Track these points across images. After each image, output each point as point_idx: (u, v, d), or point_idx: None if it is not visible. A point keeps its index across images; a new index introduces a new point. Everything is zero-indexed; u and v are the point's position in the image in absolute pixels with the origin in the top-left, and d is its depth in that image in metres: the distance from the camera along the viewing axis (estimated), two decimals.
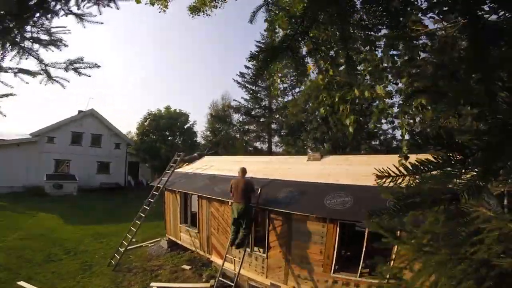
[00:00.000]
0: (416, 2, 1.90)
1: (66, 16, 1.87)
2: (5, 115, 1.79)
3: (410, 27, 1.97)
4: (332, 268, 4.32)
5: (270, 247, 5.21)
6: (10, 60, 1.73)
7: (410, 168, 0.81)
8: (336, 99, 2.91)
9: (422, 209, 0.84)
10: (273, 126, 23.75)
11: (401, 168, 0.83)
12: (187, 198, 7.52)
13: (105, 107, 56.02)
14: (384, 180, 0.85)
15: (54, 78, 1.97)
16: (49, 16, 1.79)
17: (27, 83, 1.86)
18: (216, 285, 5.38)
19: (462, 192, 0.74)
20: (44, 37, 1.84)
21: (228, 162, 8.46)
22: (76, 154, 18.42)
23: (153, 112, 21.64)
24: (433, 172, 0.80)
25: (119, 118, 64.10)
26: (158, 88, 63.65)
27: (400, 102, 2.74)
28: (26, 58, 1.79)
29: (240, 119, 24.67)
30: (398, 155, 2.68)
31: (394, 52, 2.34)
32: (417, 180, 0.83)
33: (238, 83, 23.36)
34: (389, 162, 1.13)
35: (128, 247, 7.09)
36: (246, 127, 24.62)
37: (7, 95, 1.74)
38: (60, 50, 1.93)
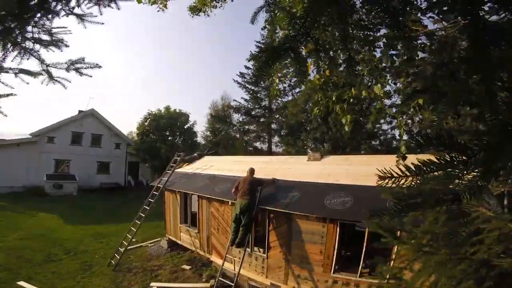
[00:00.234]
0: (415, 2, 1.90)
1: (67, 16, 1.87)
2: (6, 115, 1.79)
3: (409, 27, 1.98)
4: (332, 268, 4.32)
5: (270, 247, 5.21)
6: (12, 61, 1.73)
7: (413, 168, 0.81)
8: (333, 99, 2.92)
9: (423, 210, 0.84)
10: (273, 126, 23.75)
11: (404, 169, 0.83)
12: (187, 198, 7.52)
13: (105, 107, 56.00)
14: (386, 181, 0.85)
15: (55, 78, 1.97)
16: (50, 16, 1.79)
17: (27, 83, 1.86)
18: (216, 285, 5.38)
19: (464, 192, 0.74)
20: (45, 37, 1.84)
21: (228, 162, 8.47)
22: (76, 154, 18.42)
23: (153, 112, 21.66)
24: (434, 173, 0.81)
25: (119, 118, 64.16)
26: (158, 88, 63.69)
27: (399, 102, 2.75)
28: (28, 59, 1.80)
29: (240, 119, 24.69)
30: (396, 155, 2.68)
31: (393, 52, 2.35)
32: (418, 181, 0.83)
33: (238, 83, 23.37)
34: (389, 162, 1.13)
35: (128, 247, 7.09)
36: (246, 127, 24.62)
37: (7, 95, 1.74)
38: (61, 51, 1.93)
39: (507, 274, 0.73)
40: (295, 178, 5.53)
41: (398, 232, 1.10)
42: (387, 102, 2.80)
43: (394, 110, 2.76)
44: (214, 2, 3.86)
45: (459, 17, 1.60)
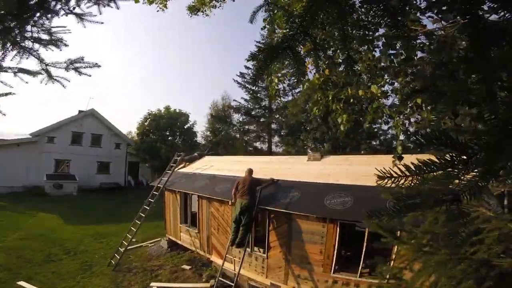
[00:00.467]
0: (415, 2, 1.90)
1: (66, 16, 1.87)
2: (4, 114, 1.79)
3: (408, 26, 1.98)
4: (332, 268, 4.32)
5: (270, 247, 5.21)
6: (11, 60, 1.73)
7: (413, 168, 0.81)
8: (330, 98, 2.92)
9: (422, 210, 0.84)
10: (273, 126, 23.76)
11: (403, 169, 0.82)
12: (187, 198, 7.52)
13: (105, 107, 55.88)
14: (385, 181, 0.85)
15: (54, 78, 1.97)
16: (49, 16, 1.79)
17: (26, 82, 1.86)
18: (216, 285, 5.38)
19: (464, 192, 0.73)
20: (45, 36, 1.84)
21: (228, 162, 8.47)
22: (76, 154, 18.42)
23: (153, 112, 21.65)
24: (434, 173, 0.80)
25: (119, 118, 64.06)
26: (158, 87, 63.61)
27: (396, 102, 2.75)
28: (27, 58, 1.80)
29: (240, 119, 24.70)
30: (392, 155, 2.68)
31: (392, 52, 2.35)
32: (417, 181, 0.83)
33: (238, 83, 23.38)
34: (389, 162, 1.13)
35: (128, 247, 7.09)
36: (246, 127, 24.63)
37: (6, 94, 1.74)
38: (60, 50, 1.93)
39: (507, 274, 0.72)
40: (295, 178, 5.53)
41: (398, 232, 1.10)
42: (387, 102, 2.80)
43: (392, 109, 2.76)
44: (214, 1, 3.86)
45: (458, 17, 1.60)
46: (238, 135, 24.40)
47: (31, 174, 16.03)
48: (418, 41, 2.20)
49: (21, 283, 5.59)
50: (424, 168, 0.80)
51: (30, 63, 2.07)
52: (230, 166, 7.57)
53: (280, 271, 5.05)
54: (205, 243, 6.74)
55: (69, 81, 2.03)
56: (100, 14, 2.02)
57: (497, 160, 0.70)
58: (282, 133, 22.53)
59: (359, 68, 2.60)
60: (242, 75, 23.26)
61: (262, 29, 2.99)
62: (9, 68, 1.73)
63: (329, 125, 15.75)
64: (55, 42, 1.88)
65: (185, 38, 63.56)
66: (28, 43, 1.79)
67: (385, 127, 16.26)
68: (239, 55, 54.78)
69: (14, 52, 1.74)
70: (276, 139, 23.92)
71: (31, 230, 9.21)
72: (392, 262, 1.49)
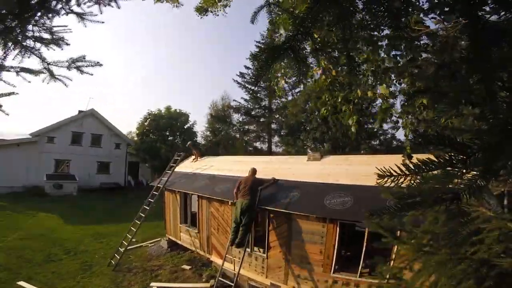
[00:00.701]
0: (417, 3, 1.90)
1: (67, 15, 1.88)
2: (7, 114, 1.79)
3: (411, 27, 1.98)
4: (332, 268, 4.32)
5: (270, 247, 5.21)
6: (13, 59, 1.74)
7: (412, 167, 0.81)
8: (339, 99, 2.91)
9: (422, 209, 0.85)
10: (273, 126, 23.76)
11: (403, 168, 0.83)
12: (187, 198, 7.53)
13: (106, 106, 55.72)
14: (385, 180, 0.85)
15: (56, 77, 1.97)
16: (50, 15, 1.80)
17: (29, 82, 1.87)
18: (216, 285, 5.38)
19: (463, 191, 0.74)
20: (46, 35, 1.84)
21: (228, 162, 8.47)
22: (76, 154, 18.41)
23: (153, 112, 21.63)
24: (434, 172, 0.81)
25: (119, 118, 63.97)
26: (159, 87, 63.54)
27: (403, 102, 2.75)
28: (29, 57, 1.80)
29: (240, 119, 24.69)
30: (402, 155, 2.68)
31: (396, 52, 2.35)
32: (417, 180, 0.84)
33: (238, 83, 23.39)
34: (389, 162, 1.13)
35: (128, 247, 7.09)
36: (246, 127, 24.62)
37: (9, 94, 1.74)
38: (62, 49, 1.93)
39: (507, 274, 0.73)
40: (295, 178, 5.53)
41: (398, 232, 1.10)
42: (397, 102, 2.82)
43: (399, 110, 2.76)
44: (226, 0, 3.79)
45: (460, 18, 1.60)
46: (238, 135, 24.39)
47: (31, 174, 16.03)
48: (422, 41, 2.20)
49: (21, 283, 5.59)
50: (423, 167, 0.81)
51: (32, 62, 2.08)
52: (230, 166, 7.57)
53: (280, 271, 5.05)
54: (205, 243, 6.74)
55: (71, 80, 2.04)
56: (101, 13, 2.02)
57: (497, 160, 0.71)
58: (282, 133, 22.53)
59: (364, 69, 2.60)
60: (242, 75, 23.28)
61: (267, 30, 3.00)
62: (11, 67, 1.73)
63: (329, 125, 15.76)
64: (57, 41, 1.88)
65: (185, 38, 63.65)
66: (30, 42, 1.80)
67: (385, 126, 16.28)
68: (239, 55, 54.87)
69: (16, 51, 1.74)
70: (276, 139, 23.93)
71: (31, 230, 9.21)
72: (392, 262, 1.49)
